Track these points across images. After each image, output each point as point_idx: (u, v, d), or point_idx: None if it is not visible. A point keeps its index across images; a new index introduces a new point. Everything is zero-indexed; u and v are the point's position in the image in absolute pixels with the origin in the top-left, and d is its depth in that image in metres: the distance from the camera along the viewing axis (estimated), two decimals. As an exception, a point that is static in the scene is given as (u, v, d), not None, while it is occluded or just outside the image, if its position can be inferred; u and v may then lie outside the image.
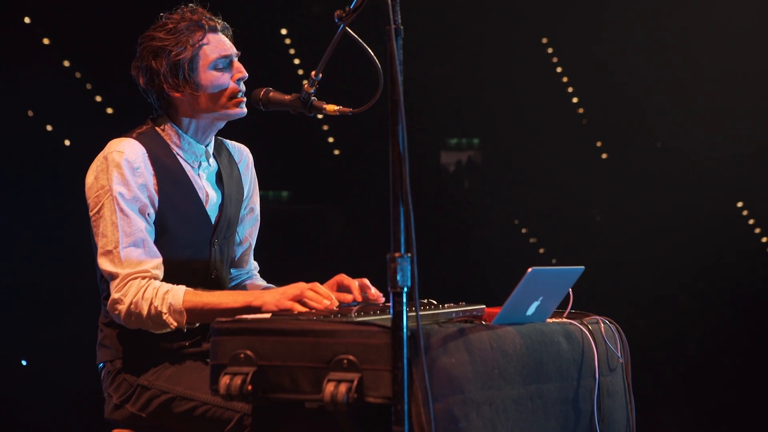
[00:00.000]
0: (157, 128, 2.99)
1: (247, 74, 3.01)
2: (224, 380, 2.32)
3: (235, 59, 3.01)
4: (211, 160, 3.07)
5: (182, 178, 2.96)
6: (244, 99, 3.00)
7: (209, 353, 2.39)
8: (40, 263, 7.19)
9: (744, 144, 8.50)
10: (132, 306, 2.76)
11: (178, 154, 2.98)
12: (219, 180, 3.08)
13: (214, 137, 3.09)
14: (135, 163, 2.87)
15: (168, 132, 2.99)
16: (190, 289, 2.78)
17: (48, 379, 6.86)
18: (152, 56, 2.94)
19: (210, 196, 3.02)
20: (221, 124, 3.04)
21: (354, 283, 2.84)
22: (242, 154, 3.22)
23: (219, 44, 2.99)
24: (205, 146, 3.04)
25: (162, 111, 3.01)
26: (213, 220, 3.02)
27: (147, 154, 2.90)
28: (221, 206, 3.05)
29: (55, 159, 7.48)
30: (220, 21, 3.03)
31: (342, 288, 2.85)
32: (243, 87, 3.01)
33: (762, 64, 8.43)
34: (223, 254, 3.05)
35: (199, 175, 3.02)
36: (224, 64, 2.98)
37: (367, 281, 2.87)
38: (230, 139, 3.23)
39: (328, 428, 2.36)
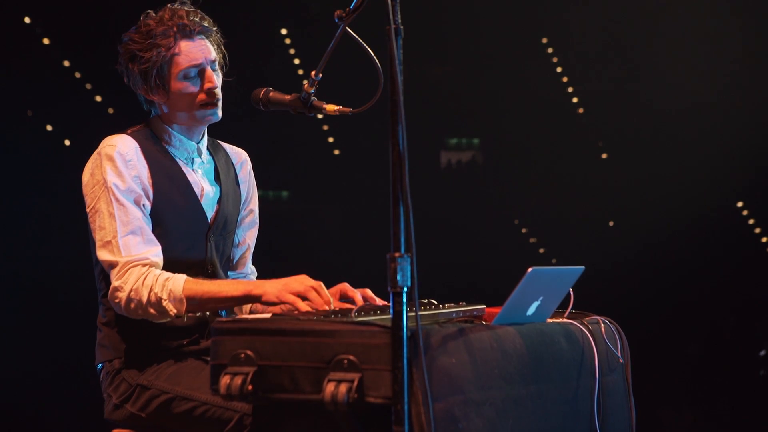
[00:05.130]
0: (149, 127, 3.01)
1: (217, 84, 2.96)
2: (224, 380, 2.32)
3: (208, 67, 2.96)
4: (206, 157, 3.07)
5: (176, 172, 2.97)
6: (217, 105, 2.96)
7: (209, 353, 2.39)
8: (40, 263, 7.19)
9: (744, 144, 8.51)
10: (132, 293, 2.76)
11: (171, 151, 2.99)
12: (216, 177, 3.09)
13: (207, 136, 3.09)
14: (127, 156, 2.88)
15: (159, 130, 3.00)
16: (190, 277, 2.79)
17: (48, 379, 6.86)
18: (129, 59, 2.96)
19: (206, 190, 3.02)
20: (202, 127, 3.04)
21: (357, 294, 2.82)
22: (240, 157, 3.22)
23: (191, 53, 2.94)
24: (197, 143, 3.04)
25: (148, 107, 3.02)
26: (209, 214, 3.02)
27: (139, 149, 2.92)
28: (219, 201, 3.05)
29: (55, 159, 7.48)
30: (201, 23, 2.96)
31: (345, 298, 2.83)
32: (218, 94, 2.96)
33: (762, 64, 8.43)
34: (219, 251, 3.05)
35: (194, 170, 3.02)
36: (194, 73, 2.95)
37: (369, 291, 2.85)
38: (231, 140, 3.23)
39: (328, 428, 2.35)
